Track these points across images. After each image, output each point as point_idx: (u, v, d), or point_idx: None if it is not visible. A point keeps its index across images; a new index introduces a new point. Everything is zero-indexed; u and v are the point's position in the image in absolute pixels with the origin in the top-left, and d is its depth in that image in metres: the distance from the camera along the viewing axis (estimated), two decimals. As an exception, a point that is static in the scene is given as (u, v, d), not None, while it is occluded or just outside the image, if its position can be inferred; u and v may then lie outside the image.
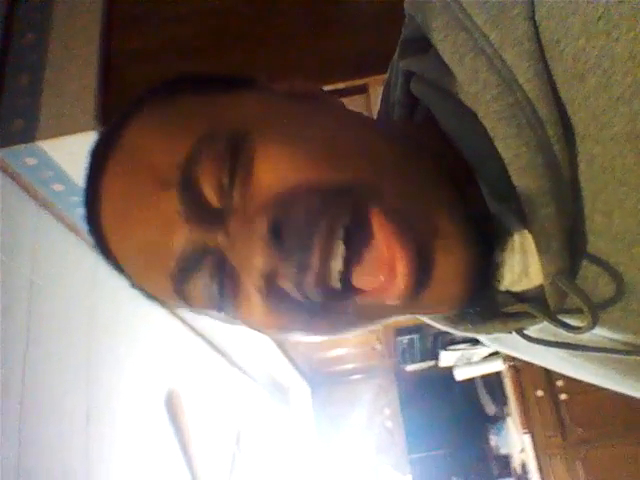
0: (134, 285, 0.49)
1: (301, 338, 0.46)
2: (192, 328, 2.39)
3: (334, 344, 3.72)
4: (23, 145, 1.41)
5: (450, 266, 0.40)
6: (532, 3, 0.38)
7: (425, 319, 0.53)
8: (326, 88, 1.58)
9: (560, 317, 0.43)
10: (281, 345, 3.34)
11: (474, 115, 0.40)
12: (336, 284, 0.40)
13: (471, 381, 4.30)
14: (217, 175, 0.41)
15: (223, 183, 0.41)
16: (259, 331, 0.47)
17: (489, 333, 0.48)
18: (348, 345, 3.77)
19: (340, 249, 0.39)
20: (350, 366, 4.14)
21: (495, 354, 3.81)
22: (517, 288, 0.46)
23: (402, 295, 0.39)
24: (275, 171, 0.40)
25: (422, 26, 0.44)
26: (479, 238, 0.42)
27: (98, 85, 1.49)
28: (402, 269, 0.39)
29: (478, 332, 0.49)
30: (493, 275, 0.45)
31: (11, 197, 1.46)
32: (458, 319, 0.49)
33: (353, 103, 1.43)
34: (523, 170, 0.38)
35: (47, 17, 1.56)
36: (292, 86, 0.50)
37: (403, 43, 0.50)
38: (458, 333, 0.51)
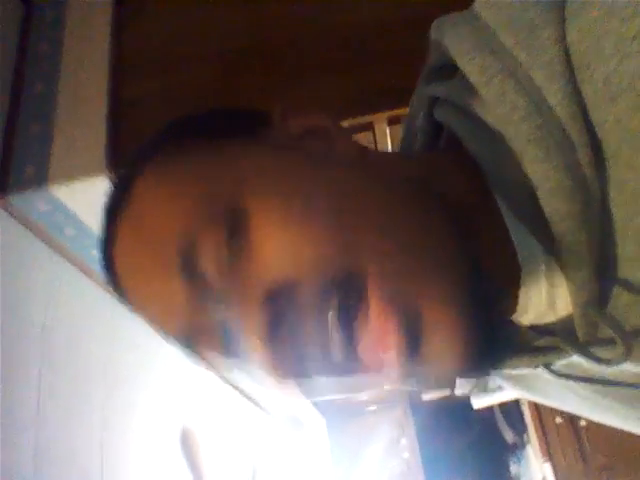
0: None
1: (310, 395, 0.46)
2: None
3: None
4: (34, 191, 1.43)
5: (444, 332, 0.39)
6: (563, 26, 0.38)
7: None
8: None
9: (591, 349, 0.41)
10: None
11: (501, 138, 0.40)
12: (340, 360, 0.40)
13: (489, 409, 4.24)
14: (216, 250, 0.41)
15: (222, 264, 0.42)
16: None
17: (514, 368, 0.47)
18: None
19: (337, 338, 0.39)
20: (364, 397, 4.09)
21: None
22: (542, 321, 0.45)
23: (399, 361, 0.39)
24: (272, 254, 0.40)
25: (449, 49, 0.44)
26: (481, 292, 0.41)
27: (108, 129, 1.52)
28: (394, 342, 0.39)
29: (499, 368, 0.48)
30: (512, 310, 0.44)
31: (24, 243, 1.48)
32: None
33: (363, 139, 1.43)
34: (552, 192, 0.37)
35: (56, 67, 1.60)
36: (303, 124, 0.50)
37: (428, 70, 0.50)
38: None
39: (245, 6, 1.67)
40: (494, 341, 0.43)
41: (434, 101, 0.50)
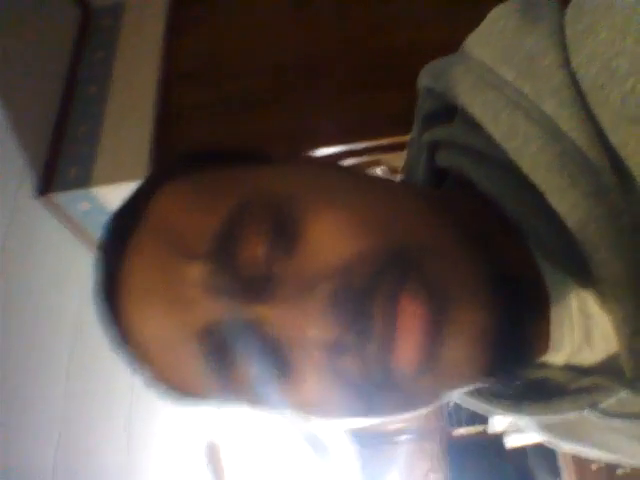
0: (152, 382, 0.44)
1: (362, 421, 0.42)
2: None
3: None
4: (78, 190, 1.47)
5: (470, 323, 0.37)
6: (565, 51, 0.37)
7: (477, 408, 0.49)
8: (373, 144, 1.58)
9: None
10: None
11: (514, 172, 0.38)
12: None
13: (523, 449, 4.12)
14: (256, 243, 0.38)
15: (265, 251, 0.38)
16: (311, 415, 0.42)
17: (557, 413, 0.43)
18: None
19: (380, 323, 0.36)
20: (396, 427, 4.03)
21: (548, 422, 3.64)
22: (579, 359, 0.42)
23: (420, 350, 0.36)
24: (328, 237, 0.38)
25: (445, 94, 0.43)
26: (507, 301, 0.38)
27: (153, 136, 1.55)
28: (419, 329, 0.36)
29: (541, 413, 0.44)
30: (540, 351, 0.41)
31: (63, 240, 1.51)
32: (514, 398, 0.45)
33: (397, 159, 1.43)
34: (583, 222, 0.35)
35: (108, 71, 1.65)
36: (309, 159, 0.48)
37: (424, 118, 0.49)
38: (509, 414, 0.47)
39: (295, 24, 1.70)
40: (516, 361, 0.41)
41: (434, 147, 0.48)
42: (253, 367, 0.38)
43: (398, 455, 4.06)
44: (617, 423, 0.45)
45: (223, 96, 1.63)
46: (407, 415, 0.42)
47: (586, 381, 0.41)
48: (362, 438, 4.05)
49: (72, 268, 1.51)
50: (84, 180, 1.48)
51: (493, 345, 0.37)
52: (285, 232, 0.38)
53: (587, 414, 0.43)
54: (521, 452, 4.15)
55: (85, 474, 1.44)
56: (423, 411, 0.42)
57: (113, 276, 0.41)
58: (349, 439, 3.96)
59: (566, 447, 0.55)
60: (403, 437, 4.13)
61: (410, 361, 0.36)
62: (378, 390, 0.37)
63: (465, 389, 0.43)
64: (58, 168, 1.50)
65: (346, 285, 0.36)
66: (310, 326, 0.36)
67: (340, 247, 0.37)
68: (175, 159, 0.47)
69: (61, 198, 1.48)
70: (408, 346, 0.35)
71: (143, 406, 1.70)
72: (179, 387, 0.43)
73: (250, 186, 0.41)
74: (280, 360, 0.38)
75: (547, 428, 0.53)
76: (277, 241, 0.38)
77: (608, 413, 0.42)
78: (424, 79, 0.47)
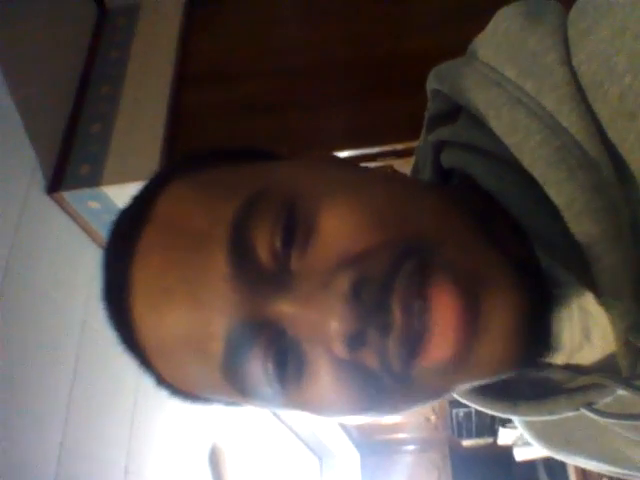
0: (162, 382, 0.44)
1: (362, 419, 0.41)
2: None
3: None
4: (88, 189, 1.47)
5: (502, 310, 0.36)
6: (566, 49, 0.37)
7: (471, 403, 0.48)
8: (385, 148, 1.57)
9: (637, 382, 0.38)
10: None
11: (516, 168, 0.38)
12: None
13: (531, 462, 4.08)
14: (272, 234, 0.37)
15: (279, 244, 0.37)
16: (319, 414, 0.42)
17: (552, 412, 0.43)
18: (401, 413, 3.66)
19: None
20: (402, 436, 4.00)
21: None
22: (578, 359, 0.41)
23: (458, 344, 0.35)
24: (344, 229, 0.37)
25: (451, 91, 0.44)
26: (531, 286, 0.38)
27: (165, 137, 1.55)
28: (455, 322, 0.35)
29: (536, 413, 0.44)
30: (549, 346, 0.40)
31: (71, 238, 1.51)
32: (511, 397, 0.45)
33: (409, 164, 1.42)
34: (581, 215, 0.35)
35: (122, 71, 1.65)
36: (319, 155, 0.48)
37: (430, 120, 0.49)
38: (503, 414, 0.46)
39: (305, 26, 1.69)
40: (539, 352, 0.40)
41: (439, 148, 0.48)
42: (269, 367, 0.38)
43: (404, 465, 4.02)
44: (615, 426, 0.44)
45: (235, 98, 1.63)
46: (412, 410, 0.42)
47: (582, 380, 0.41)
48: (367, 446, 4.03)
49: (80, 266, 1.51)
50: (95, 179, 1.48)
51: (526, 334, 0.37)
52: (300, 226, 0.37)
53: (584, 416, 0.42)
54: (530, 465, 4.11)
55: (88, 476, 1.43)
56: (429, 405, 0.41)
57: (123, 277, 0.40)
58: (354, 447, 3.94)
59: (561, 456, 0.54)
60: (409, 447, 4.10)
61: (443, 355, 0.35)
62: (393, 384, 0.37)
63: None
64: (69, 166, 1.51)
65: (365, 276, 0.35)
66: (330, 319, 0.35)
67: (356, 239, 0.37)
68: (181, 158, 0.46)
69: (71, 196, 1.48)
70: (443, 339, 0.35)
71: (146, 408, 1.69)
72: (190, 388, 0.43)
73: (263, 179, 0.41)
74: (295, 358, 0.38)
75: (543, 437, 0.52)
76: (293, 234, 0.37)
77: (605, 414, 0.41)
78: (432, 81, 0.47)
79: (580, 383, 0.41)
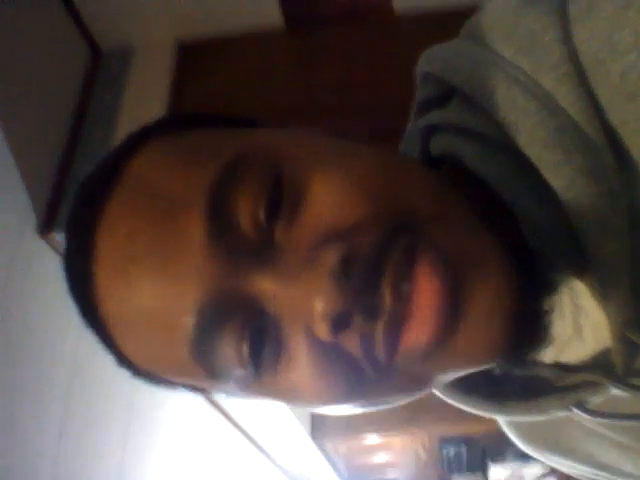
0: (123, 361, 0.39)
1: (337, 410, 0.38)
2: (229, 417, 2.34)
3: (376, 448, 3.58)
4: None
5: (488, 293, 0.34)
6: (566, 28, 0.35)
7: (462, 406, 0.45)
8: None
9: (631, 380, 0.36)
10: (322, 446, 3.23)
11: (509, 151, 0.37)
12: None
13: (523, 500, 4.03)
14: (255, 202, 0.34)
15: (263, 213, 0.34)
16: (293, 402, 0.39)
17: (543, 412, 0.41)
18: (391, 451, 3.62)
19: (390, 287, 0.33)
20: (392, 476, 3.95)
21: (550, 474, 3.57)
22: (567, 355, 0.40)
23: (438, 326, 0.33)
24: (334, 200, 0.34)
25: (442, 74, 0.41)
26: (521, 271, 0.35)
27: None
28: (437, 305, 0.33)
29: (525, 412, 0.41)
30: (540, 336, 0.38)
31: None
32: (498, 397, 0.42)
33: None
34: (579, 199, 0.33)
35: (115, 114, 1.67)
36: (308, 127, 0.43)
37: (419, 105, 0.46)
38: (489, 414, 0.44)
39: (296, 70, 1.74)
40: (531, 342, 0.37)
41: (429, 134, 0.45)
42: (244, 348, 0.34)
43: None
44: (606, 428, 0.43)
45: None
46: (393, 403, 0.39)
47: (574, 378, 0.39)
48: (349, 473, 3.96)
49: (72, 307, 1.51)
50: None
51: (513, 321, 0.34)
52: (287, 194, 0.34)
53: (572, 418, 0.41)
54: (521, 502, 4.06)
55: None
56: (411, 399, 0.39)
57: (87, 242, 0.36)
58: (335, 473, 3.87)
59: (551, 460, 0.52)
60: (393, 474, 4.03)
61: (421, 340, 0.33)
62: (375, 371, 0.34)
63: (451, 379, 0.40)
64: (61, 207, 1.52)
65: (352, 253, 0.33)
66: (315, 297, 0.32)
67: (346, 211, 0.34)
68: (156, 121, 0.42)
69: (63, 237, 1.48)
70: (422, 322, 0.33)
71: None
72: (154, 368, 0.39)
73: (247, 144, 0.37)
74: (273, 340, 0.34)
75: (531, 440, 0.50)
76: (279, 203, 0.34)
77: (597, 413, 0.40)
78: (424, 64, 0.44)
79: (571, 381, 0.40)
